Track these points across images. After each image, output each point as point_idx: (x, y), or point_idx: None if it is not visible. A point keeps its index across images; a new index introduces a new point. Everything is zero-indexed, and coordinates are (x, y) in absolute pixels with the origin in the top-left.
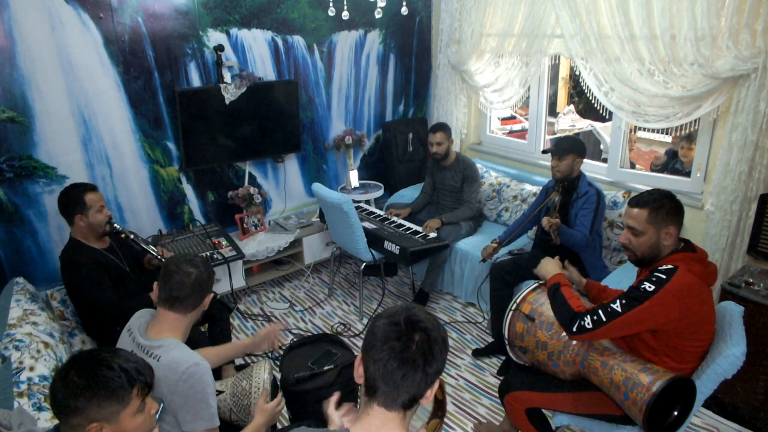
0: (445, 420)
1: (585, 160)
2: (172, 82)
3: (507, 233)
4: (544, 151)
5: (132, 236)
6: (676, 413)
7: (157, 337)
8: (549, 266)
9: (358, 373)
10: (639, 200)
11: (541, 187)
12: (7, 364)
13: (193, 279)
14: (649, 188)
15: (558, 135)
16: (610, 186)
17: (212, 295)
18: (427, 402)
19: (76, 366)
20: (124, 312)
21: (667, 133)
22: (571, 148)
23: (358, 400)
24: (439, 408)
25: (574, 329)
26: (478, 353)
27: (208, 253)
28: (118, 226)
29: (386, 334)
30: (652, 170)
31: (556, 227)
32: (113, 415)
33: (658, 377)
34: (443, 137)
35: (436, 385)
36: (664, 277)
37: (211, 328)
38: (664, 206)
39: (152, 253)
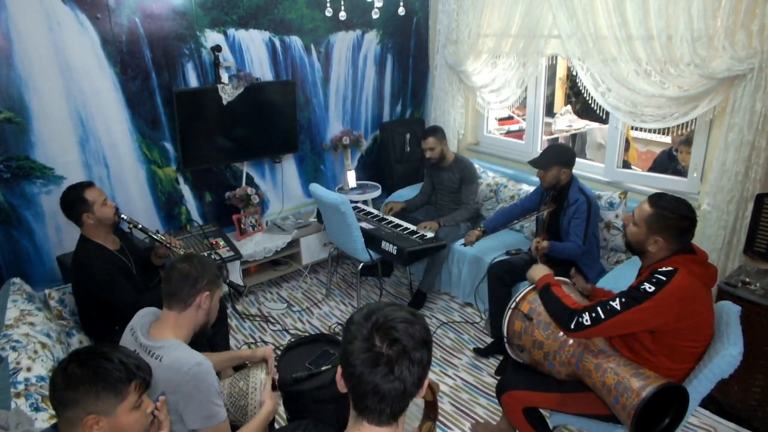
0: (443, 419)
1: (582, 160)
2: (170, 82)
3: (493, 223)
4: (529, 163)
5: (140, 226)
6: (667, 420)
7: (159, 338)
8: (538, 270)
9: (341, 385)
10: (656, 199)
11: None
12: (4, 365)
13: (182, 273)
14: (649, 189)
15: (555, 135)
16: (606, 186)
17: (208, 294)
18: (419, 398)
19: (76, 358)
20: (142, 307)
21: (664, 133)
22: (554, 160)
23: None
24: (431, 410)
25: (572, 326)
26: (479, 352)
27: (206, 253)
28: (125, 216)
29: (363, 361)
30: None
31: (543, 252)
32: (110, 408)
33: (649, 383)
34: (434, 142)
35: (426, 382)
36: (664, 278)
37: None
38: (667, 219)
39: (160, 241)
